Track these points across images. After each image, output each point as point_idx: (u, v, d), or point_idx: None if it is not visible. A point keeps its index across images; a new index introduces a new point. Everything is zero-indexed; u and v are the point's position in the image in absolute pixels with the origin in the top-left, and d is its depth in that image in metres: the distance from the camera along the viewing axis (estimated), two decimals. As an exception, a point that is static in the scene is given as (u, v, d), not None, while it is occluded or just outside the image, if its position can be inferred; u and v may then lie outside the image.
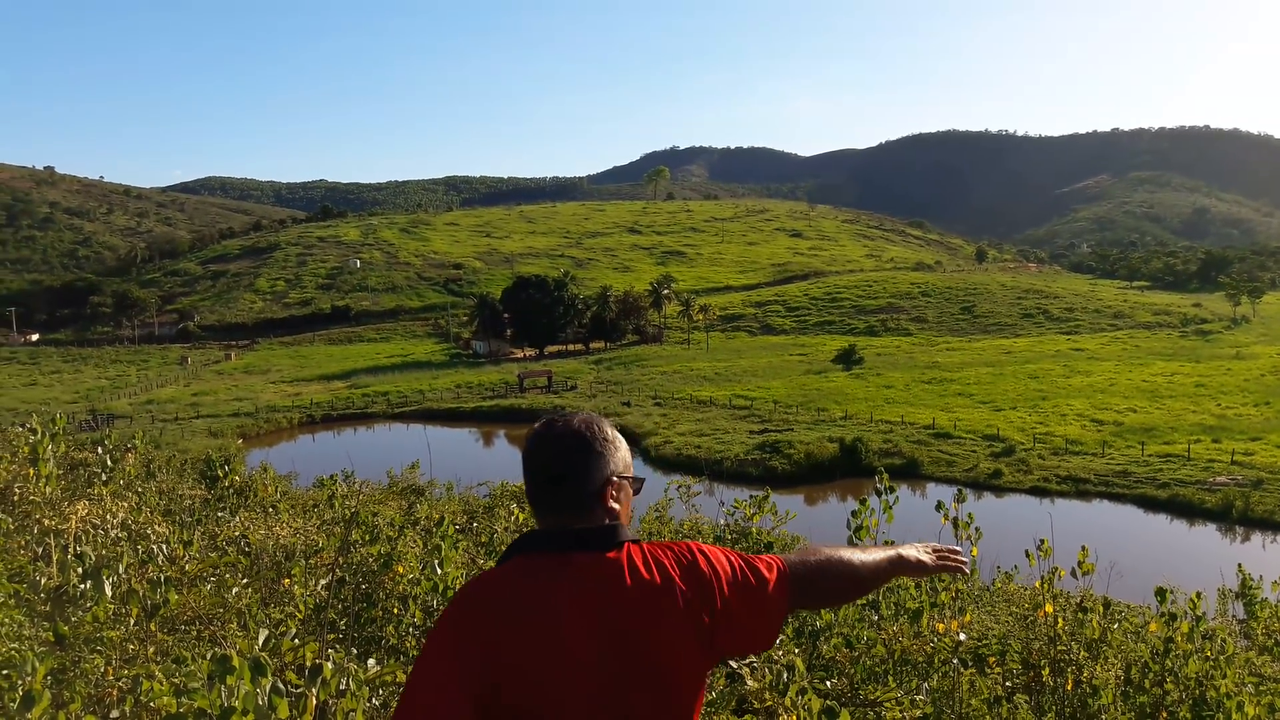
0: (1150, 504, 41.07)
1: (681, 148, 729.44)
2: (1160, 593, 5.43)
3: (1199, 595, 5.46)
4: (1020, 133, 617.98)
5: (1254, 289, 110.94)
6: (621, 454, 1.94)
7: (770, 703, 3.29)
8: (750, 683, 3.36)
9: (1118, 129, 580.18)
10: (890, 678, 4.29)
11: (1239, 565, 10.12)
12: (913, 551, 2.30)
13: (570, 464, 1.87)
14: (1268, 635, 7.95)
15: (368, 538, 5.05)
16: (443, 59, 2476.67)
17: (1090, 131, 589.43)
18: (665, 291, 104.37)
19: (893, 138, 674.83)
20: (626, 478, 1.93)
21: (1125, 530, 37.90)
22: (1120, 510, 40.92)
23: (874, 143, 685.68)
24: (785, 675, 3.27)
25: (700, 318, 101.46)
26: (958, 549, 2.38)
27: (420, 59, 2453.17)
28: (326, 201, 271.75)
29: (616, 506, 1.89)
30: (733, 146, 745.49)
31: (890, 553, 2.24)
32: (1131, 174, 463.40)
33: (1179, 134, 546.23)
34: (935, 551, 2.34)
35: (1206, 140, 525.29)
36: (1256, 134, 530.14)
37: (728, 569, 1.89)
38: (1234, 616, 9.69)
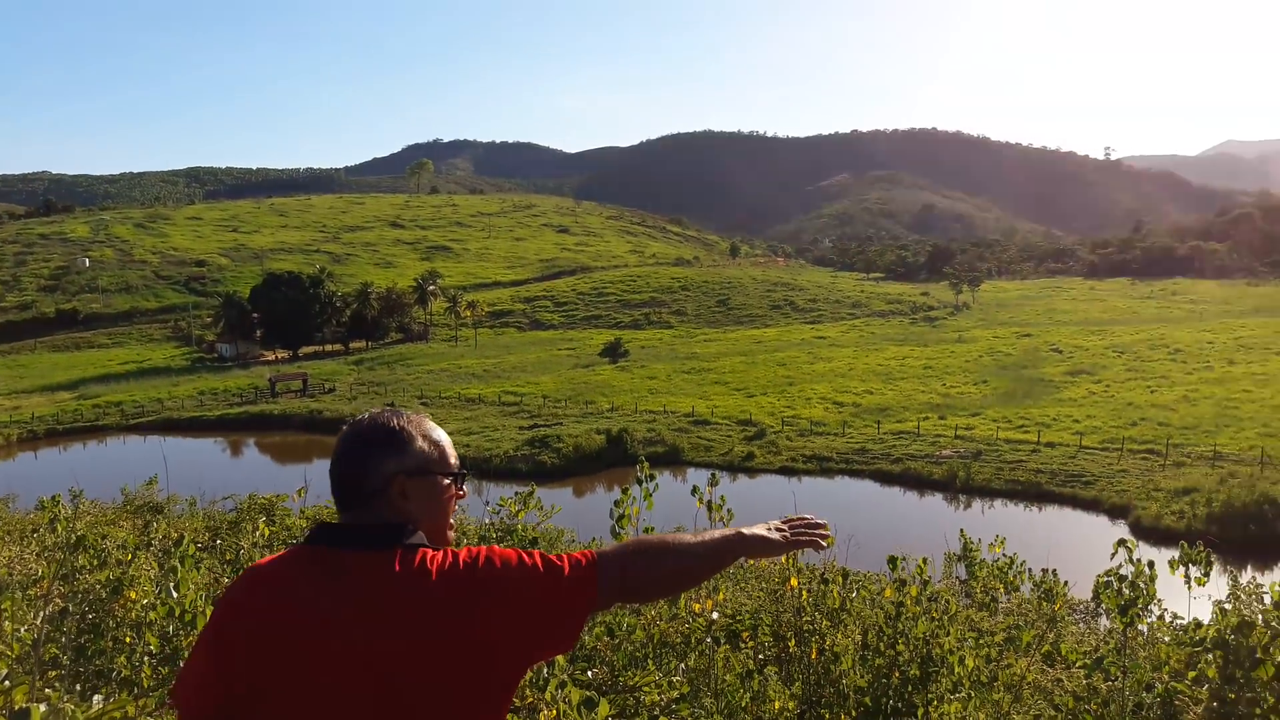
0: (886, 478, 44.48)
1: (445, 140, 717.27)
2: (892, 561, 5.89)
3: (925, 561, 5.97)
4: (771, 133, 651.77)
5: (973, 278, 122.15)
6: (420, 449, 1.86)
7: (531, 699, 3.31)
8: (511, 681, 3.36)
9: (857, 130, 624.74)
10: (650, 661, 4.42)
11: (961, 530, 11.17)
12: (760, 530, 2.11)
13: (349, 458, 1.83)
14: (985, 593, 8.85)
15: (95, 562, 4.63)
16: (184, 41, 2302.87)
17: (833, 133, 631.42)
18: (431, 288, 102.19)
19: (653, 136, 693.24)
20: (433, 474, 1.87)
21: (864, 503, 41.01)
22: (859, 485, 44.14)
23: (636, 140, 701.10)
24: (545, 670, 3.30)
25: (468, 314, 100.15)
26: (821, 521, 2.18)
27: (158, 40, 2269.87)
28: (50, 195, 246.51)
29: (406, 504, 1.82)
30: (498, 141, 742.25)
31: (728, 533, 2.07)
32: (869, 173, 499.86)
33: (910, 136, 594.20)
34: (789, 525, 2.16)
35: (934, 142, 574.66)
36: (975, 136, 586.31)
37: (519, 568, 1.79)
38: (957, 578, 10.59)
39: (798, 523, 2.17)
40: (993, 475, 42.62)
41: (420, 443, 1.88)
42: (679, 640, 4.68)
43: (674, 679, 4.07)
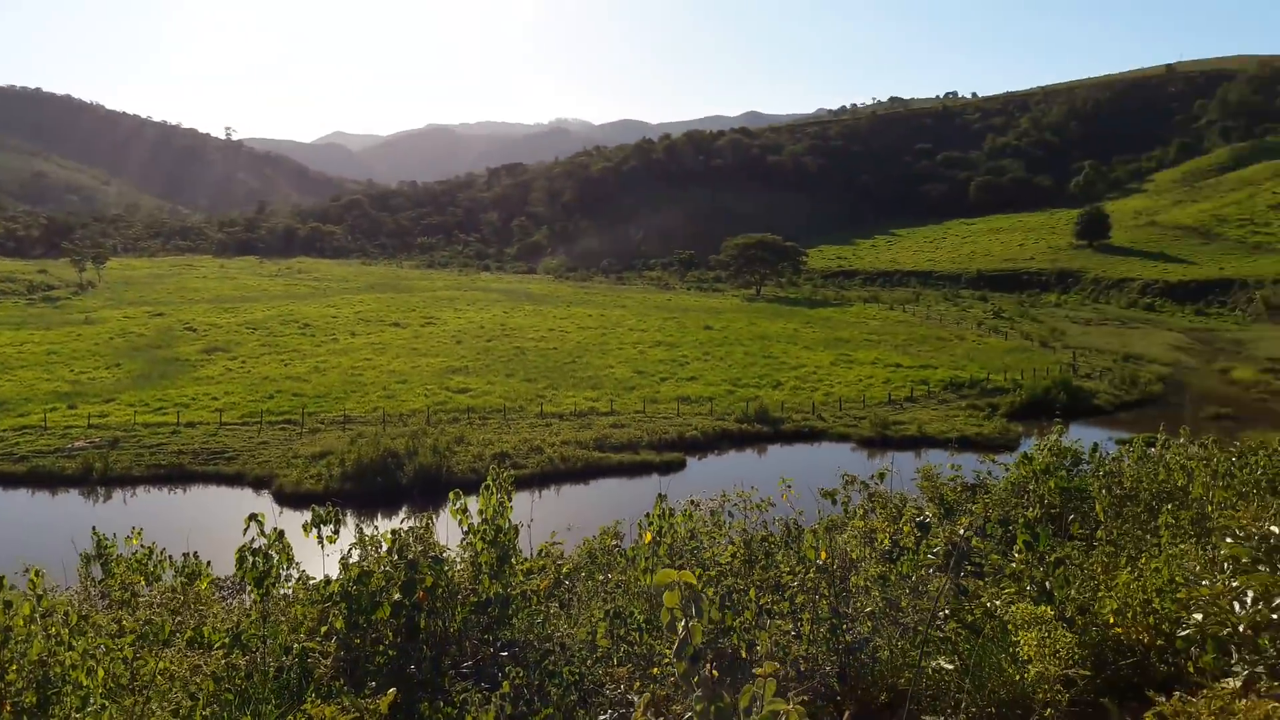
0: (9, 480, 39.22)
1: None
2: (-1, 579, 5.11)
3: (39, 573, 5.32)
4: None
5: (98, 255, 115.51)
6: None
7: None
8: None
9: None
10: None
11: (94, 527, 10.30)
12: None
13: None
14: (123, 589, 8.31)
15: None
16: None
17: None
18: None
19: None
20: None
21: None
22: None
23: None
24: None
25: None
26: None
27: None
28: None
29: None
30: None
31: None
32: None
33: (12, 94, 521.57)
34: None
35: (41, 103, 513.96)
36: (90, 102, 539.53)
37: None
38: (96, 579, 9.80)
39: None
40: (133, 462, 40.63)
41: None
42: None
43: None
